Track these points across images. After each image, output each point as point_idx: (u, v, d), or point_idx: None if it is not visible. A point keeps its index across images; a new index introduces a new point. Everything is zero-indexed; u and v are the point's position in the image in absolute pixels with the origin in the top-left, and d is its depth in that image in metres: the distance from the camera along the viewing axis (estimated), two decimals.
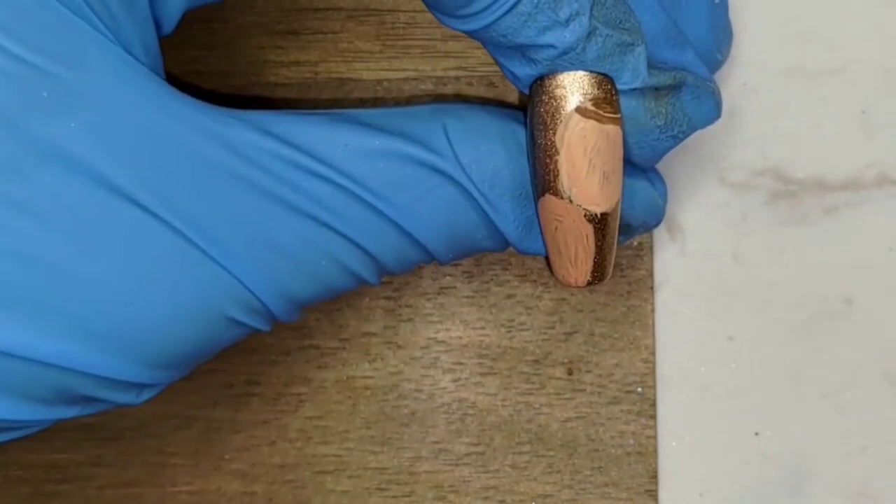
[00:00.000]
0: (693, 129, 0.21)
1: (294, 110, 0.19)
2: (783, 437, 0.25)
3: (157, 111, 0.17)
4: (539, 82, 0.19)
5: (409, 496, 0.25)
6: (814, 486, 0.25)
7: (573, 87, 0.19)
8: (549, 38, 0.18)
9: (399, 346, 0.25)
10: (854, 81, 0.25)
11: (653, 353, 0.25)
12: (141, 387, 0.19)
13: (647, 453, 0.25)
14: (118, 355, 0.17)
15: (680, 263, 0.25)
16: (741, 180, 0.25)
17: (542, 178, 0.19)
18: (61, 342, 0.16)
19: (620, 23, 0.19)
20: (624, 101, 0.19)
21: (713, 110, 0.21)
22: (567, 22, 0.18)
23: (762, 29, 0.25)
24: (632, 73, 0.19)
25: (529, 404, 0.25)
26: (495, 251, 0.21)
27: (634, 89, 0.19)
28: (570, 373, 0.25)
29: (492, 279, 0.25)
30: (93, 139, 0.16)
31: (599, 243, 0.20)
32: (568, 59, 0.19)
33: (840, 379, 0.25)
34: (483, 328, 0.25)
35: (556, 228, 0.20)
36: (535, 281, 0.25)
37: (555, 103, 0.19)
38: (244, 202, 0.17)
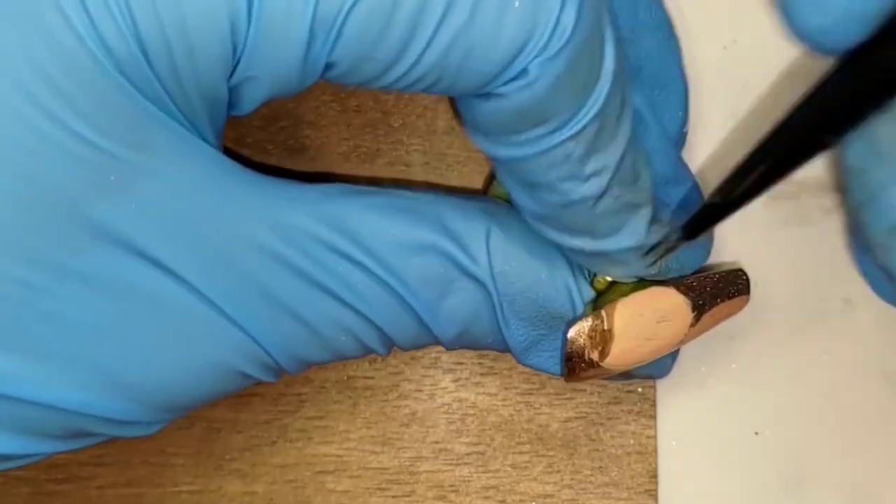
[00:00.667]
0: (681, 275, 0.22)
1: (355, 186, 0.20)
2: (783, 437, 0.25)
3: (214, 193, 0.18)
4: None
5: (409, 496, 0.25)
6: (814, 486, 0.25)
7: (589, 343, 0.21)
8: (565, 187, 0.18)
9: None
10: None
11: None
12: (148, 424, 0.20)
13: (647, 453, 0.25)
14: (135, 403, 0.19)
15: None
16: None
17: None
18: (87, 393, 0.18)
19: (634, 181, 0.19)
20: (621, 255, 0.20)
21: (704, 256, 0.22)
22: (588, 178, 0.18)
23: (762, 29, 0.25)
24: (631, 233, 0.20)
25: (529, 404, 0.25)
26: (497, 351, 0.22)
27: (629, 249, 0.20)
28: None
29: None
30: (146, 220, 0.17)
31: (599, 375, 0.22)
32: (574, 209, 0.19)
33: (840, 379, 0.25)
34: None
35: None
36: None
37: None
38: (279, 279, 0.18)
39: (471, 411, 0.25)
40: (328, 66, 0.17)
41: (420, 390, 0.25)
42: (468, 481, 0.25)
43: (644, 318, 0.21)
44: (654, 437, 0.25)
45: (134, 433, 0.20)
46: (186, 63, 0.16)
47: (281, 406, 0.25)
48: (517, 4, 0.16)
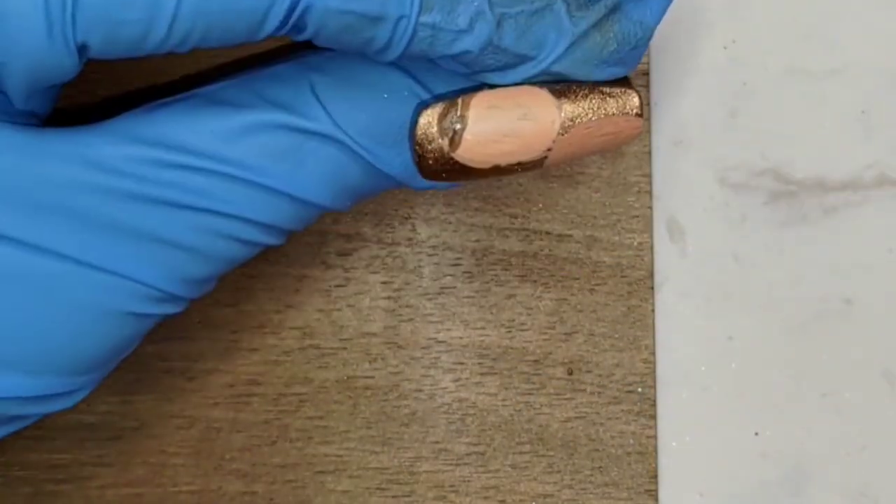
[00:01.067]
0: (651, 30, 0.20)
1: (156, 102, 0.19)
2: (783, 437, 0.25)
3: (22, 157, 0.18)
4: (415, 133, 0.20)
5: (409, 496, 0.25)
6: (814, 486, 0.25)
7: (435, 135, 0.19)
8: (460, 46, 0.18)
9: (399, 346, 0.25)
10: (854, 82, 0.25)
11: (653, 353, 0.25)
12: (69, 393, 0.19)
13: (647, 453, 0.25)
14: (36, 375, 0.18)
15: (680, 264, 0.25)
16: (741, 180, 0.25)
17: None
18: None
19: None
20: (568, 59, 0.19)
21: (662, 1, 0.20)
22: (471, 27, 0.18)
23: (762, 29, 0.25)
24: (557, 34, 0.19)
25: (530, 404, 0.25)
26: (394, 188, 0.21)
27: (568, 47, 0.19)
28: (570, 373, 0.25)
29: (492, 279, 0.25)
30: None
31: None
32: (490, 52, 0.18)
33: (840, 379, 0.25)
34: (483, 328, 0.25)
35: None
36: (536, 281, 0.25)
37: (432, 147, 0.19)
38: (124, 212, 0.18)
39: (471, 411, 0.25)
40: (82, 47, 0.16)
41: (420, 390, 0.25)
42: (468, 481, 0.25)
43: (502, 111, 0.19)
44: (654, 437, 0.25)
45: (58, 405, 0.19)
46: None
47: (281, 406, 0.25)
48: None
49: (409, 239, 0.25)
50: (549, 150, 0.20)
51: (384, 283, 0.25)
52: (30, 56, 0.16)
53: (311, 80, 0.19)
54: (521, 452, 0.25)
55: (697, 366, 0.25)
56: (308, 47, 0.19)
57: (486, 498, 0.25)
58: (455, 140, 0.19)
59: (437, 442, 0.25)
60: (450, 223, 0.25)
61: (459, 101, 0.19)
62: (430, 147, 0.19)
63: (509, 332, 0.25)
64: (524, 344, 0.25)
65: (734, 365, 0.25)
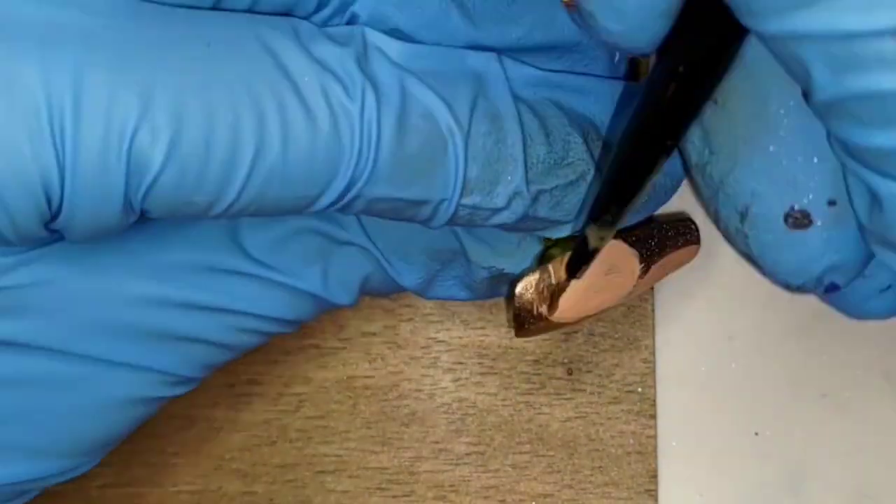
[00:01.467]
0: (680, 180, 0.21)
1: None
2: (783, 437, 0.25)
3: (77, 284, 0.18)
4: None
5: (409, 496, 0.25)
6: (813, 486, 0.25)
7: (539, 289, 0.21)
8: (497, 220, 0.19)
9: (399, 346, 0.25)
10: None
11: (653, 353, 0.25)
12: (80, 468, 0.20)
13: (647, 453, 0.25)
14: (63, 459, 0.20)
15: None
16: None
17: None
18: (17, 467, 0.19)
19: (562, 160, 0.19)
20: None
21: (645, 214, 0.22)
22: (508, 205, 0.18)
23: None
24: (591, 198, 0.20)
25: (529, 404, 0.25)
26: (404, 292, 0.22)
27: None
28: (570, 373, 0.25)
29: None
30: (19, 323, 0.18)
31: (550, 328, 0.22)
32: (527, 221, 0.19)
33: (840, 379, 0.25)
34: (483, 328, 0.25)
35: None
36: None
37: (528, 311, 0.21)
38: (162, 317, 0.19)
39: (471, 411, 0.25)
40: (146, 212, 0.17)
41: (420, 390, 0.25)
42: (468, 481, 0.25)
43: (592, 270, 0.20)
44: (654, 437, 0.25)
45: (68, 478, 0.20)
46: (2, 218, 0.16)
47: (281, 406, 0.25)
48: (326, 129, 0.16)
49: None
50: (630, 293, 0.21)
51: None
52: (100, 220, 0.16)
53: None
54: (520, 452, 0.25)
55: (697, 366, 0.25)
56: None
57: (485, 498, 0.25)
58: (553, 304, 0.21)
59: (436, 442, 0.25)
60: None
61: (551, 268, 0.21)
62: (528, 314, 0.21)
63: (509, 331, 0.25)
64: (524, 344, 0.25)
65: (734, 365, 0.25)
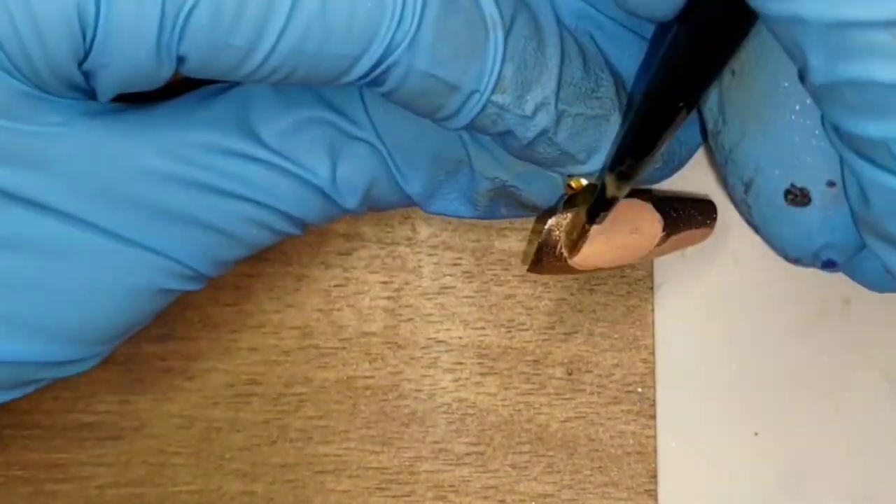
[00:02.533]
0: (694, 151, 0.22)
1: (221, 85, 0.20)
2: (783, 437, 0.25)
3: (102, 141, 0.18)
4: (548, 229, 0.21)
5: (409, 496, 0.25)
6: (813, 486, 0.25)
7: (569, 227, 0.21)
8: (518, 131, 0.19)
9: (399, 346, 0.25)
10: None
11: (653, 353, 0.25)
12: (82, 361, 0.20)
13: (647, 453, 0.25)
14: (67, 344, 0.19)
15: (679, 264, 0.25)
16: None
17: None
18: (20, 344, 0.19)
19: (593, 92, 0.19)
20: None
21: (700, 131, 0.22)
22: (534, 115, 0.19)
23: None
24: (609, 145, 0.20)
25: (529, 404, 0.25)
26: (404, 206, 0.22)
27: None
28: (570, 373, 0.25)
29: (492, 279, 0.25)
30: (41, 177, 0.18)
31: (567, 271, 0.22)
32: (543, 142, 0.19)
33: (840, 379, 0.25)
34: (483, 328, 0.25)
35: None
36: (535, 281, 0.25)
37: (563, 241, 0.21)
38: (176, 196, 0.19)
39: (471, 411, 0.25)
40: (181, 60, 0.17)
41: (420, 390, 0.25)
42: (468, 481, 0.25)
43: (618, 226, 0.21)
44: (654, 437, 0.25)
45: (73, 371, 0.20)
46: (37, 49, 0.16)
47: (281, 406, 0.25)
48: None
49: (409, 239, 0.25)
50: (644, 257, 0.22)
51: (384, 282, 0.25)
52: (132, 62, 0.17)
53: (361, 91, 0.20)
54: (520, 452, 0.25)
55: (697, 366, 0.25)
56: None
57: (485, 498, 0.25)
58: (575, 250, 0.21)
59: (436, 442, 0.25)
60: (449, 223, 0.25)
61: (583, 213, 0.21)
62: (551, 251, 0.21)
63: (509, 332, 0.25)
64: (524, 344, 0.25)
65: (734, 365, 0.25)
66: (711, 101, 0.19)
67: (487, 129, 0.19)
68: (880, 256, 0.17)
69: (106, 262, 0.19)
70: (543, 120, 0.19)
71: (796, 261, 0.19)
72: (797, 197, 0.18)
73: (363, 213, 0.22)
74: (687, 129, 0.21)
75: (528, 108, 0.19)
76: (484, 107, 0.18)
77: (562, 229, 0.21)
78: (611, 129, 0.20)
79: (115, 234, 0.19)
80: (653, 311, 0.25)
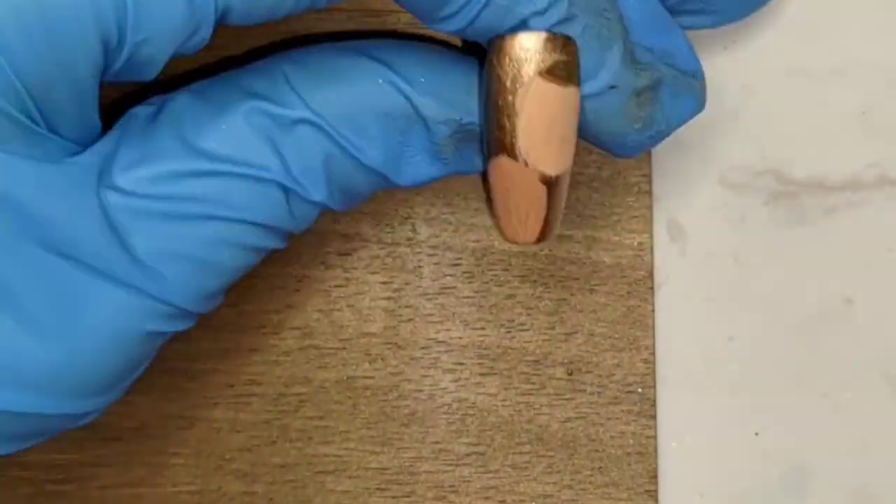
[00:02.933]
0: (671, 130, 0.21)
1: (149, 102, 0.20)
2: (783, 436, 0.25)
3: (44, 190, 0.18)
4: (500, 41, 0.19)
5: (409, 496, 0.25)
6: (814, 486, 0.25)
7: (536, 50, 0.18)
8: (525, 26, 0.18)
9: (399, 347, 0.25)
10: (854, 82, 0.25)
11: (653, 354, 0.25)
12: (80, 416, 0.20)
13: (647, 453, 0.25)
14: (58, 395, 0.19)
15: (680, 264, 0.25)
16: (741, 181, 0.25)
17: (496, 138, 0.19)
18: (8, 394, 0.18)
19: (603, 11, 0.19)
20: (599, 101, 0.19)
21: (693, 106, 0.21)
22: (545, 10, 0.18)
23: (762, 29, 0.25)
24: (606, 70, 0.19)
25: (529, 404, 0.25)
26: (382, 186, 0.21)
27: (612, 88, 0.19)
28: (570, 373, 0.25)
29: (492, 279, 0.25)
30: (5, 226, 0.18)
31: (552, 204, 0.20)
32: None
33: (840, 379, 0.25)
34: (483, 328, 0.25)
35: (507, 189, 0.20)
36: (536, 281, 0.25)
37: (516, 66, 0.18)
38: (138, 232, 0.19)
39: (471, 411, 0.25)
40: (225, 12, 0.17)
41: (420, 390, 0.25)
42: (468, 482, 0.25)
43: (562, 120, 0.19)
44: (654, 437, 0.25)
45: (70, 424, 0.20)
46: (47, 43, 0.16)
47: (281, 406, 0.25)
48: None
49: (409, 239, 0.25)
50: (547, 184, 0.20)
51: (384, 283, 0.25)
52: (168, 29, 0.16)
53: (283, 70, 0.20)
54: (521, 453, 0.25)
55: (697, 366, 0.25)
56: (285, 46, 0.20)
57: (486, 498, 0.25)
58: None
59: (437, 442, 0.25)
60: (450, 223, 0.25)
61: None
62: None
63: (509, 332, 0.25)
64: (524, 344, 0.25)
65: (734, 365, 0.25)
66: None
67: (493, 28, 0.18)
68: None
69: (85, 304, 0.18)
70: (554, 16, 0.18)
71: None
72: None
73: (344, 205, 0.21)
74: None
75: (541, 2, 0.18)
76: None
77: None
78: (613, 55, 0.19)
79: (89, 265, 0.18)
80: (653, 311, 0.25)
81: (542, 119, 0.19)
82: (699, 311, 0.25)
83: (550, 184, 0.19)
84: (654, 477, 0.25)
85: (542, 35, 0.18)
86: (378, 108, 0.20)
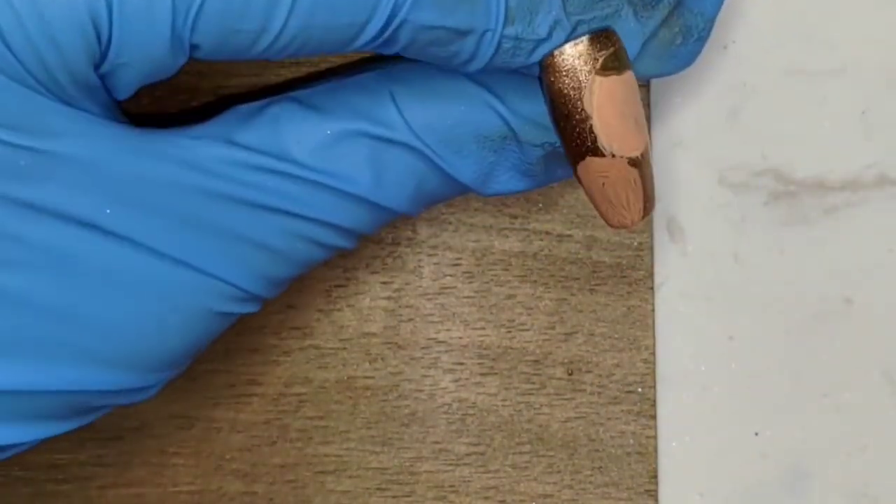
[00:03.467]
0: (712, 21, 0.21)
1: (249, 105, 0.20)
2: (783, 436, 0.25)
3: (126, 155, 0.18)
4: (547, 61, 0.19)
5: (409, 496, 0.25)
6: (814, 486, 0.25)
7: (583, 54, 0.19)
8: (540, 53, 0.19)
9: (399, 347, 0.25)
10: (854, 82, 0.25)
11: (653, 353, 0.25)
12: (144, 389, 0.20)
13: (647, 453, 0.25)
14: (124, 370, 0.19)
15: (680, 264, 0.25)
16: (741, 180, 0.25)
17: (578, 145, 0.20)
18: (69, 371, 0.18)
19: None
20: (640, 58, 0.20)
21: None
22: (549, 36, 0.19)
23: (762, 29, 0.25)
24: (631, 37, 0.20)
25: (530, 404, 0.25)
26: (461, 195, 0.22)
27: (644, 43, 0.20)
28: (570, 373, 0.25)
29: (492, 279, 0.25)
30: (73, 193, 0.18)
31: (644, 178, 0.21)
32: None
33: (840, 379, 0.25)
34: (483, 328, 0.25)
35: (603, 184, 0.20)
36: (536, 281, 0.25)
37: (573, 75, 0.19)
38: (217, 212, 0.19)
39: (471, 411, 0.25)
40: (194, 47, 0.17)
41: (420, 390, 0.25)
42: (468, 482, 0.25)
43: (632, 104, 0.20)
44: (654, 437, 0.25)
45: (135, 398, 0.20)
46: (53, 55, 0.16)
47: (281, 406, 0.25)
48: None
49: (409, 239, 0.25)
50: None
51: (384, 283, 0.25)
52: (148, 57, 0.17)
53: (391, 90, 0.20)
54: (521, 452, 0.25)
55: (697, 366, 0.25)
56: (391, 59, 0.21)
57: (486, 498, 0.25)
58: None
59: (437, 442, 0.25)
60: (450, 223, 0.25)
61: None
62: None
63: (509, 332, 0.25)
64: (524, 344, 0.25)
65: (734, 365, 0.25)
66: None
67: (509, 64, 0.19)
68: None
69: (149, 282, 0.19)
70: (561, 36, 0.19)
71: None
72: None
73: (419, 211, 0.22)
74: None
75: (543, 30, 0.18)
76: (499, 43, 0.18)
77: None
78: (626, 23, 0.19)
79: (154, 250, 0.19)
80: (653, 311, 0.25)
81: (613, 111, 0.19)
82: (699, 310, 0.25)
83: (638, 163, 0.20)
84: (654, 477, 0.25)
85: (583, 40, 0.19)
86: (478, 131, 0.21)
